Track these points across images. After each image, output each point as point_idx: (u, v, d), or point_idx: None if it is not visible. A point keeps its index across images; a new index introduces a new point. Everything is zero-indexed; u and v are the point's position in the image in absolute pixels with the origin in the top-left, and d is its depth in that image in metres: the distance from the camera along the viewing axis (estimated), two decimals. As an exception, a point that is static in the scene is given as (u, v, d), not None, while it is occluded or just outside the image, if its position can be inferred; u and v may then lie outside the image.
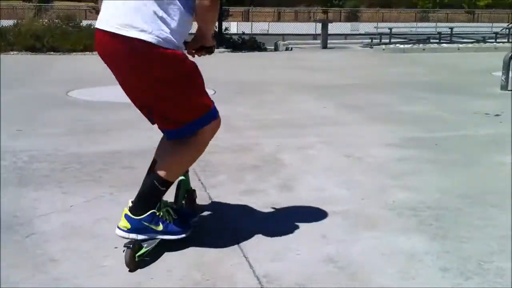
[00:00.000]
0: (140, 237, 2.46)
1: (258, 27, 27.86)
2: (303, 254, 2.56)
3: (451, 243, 2.69)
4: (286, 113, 6.26)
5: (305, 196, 3.38)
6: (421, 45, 18.25)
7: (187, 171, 2.83)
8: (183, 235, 2.55)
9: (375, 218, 3.01)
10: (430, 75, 9.92)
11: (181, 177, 2.76)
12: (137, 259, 2.41)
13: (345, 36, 24.95)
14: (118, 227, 2.47)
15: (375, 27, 23.06)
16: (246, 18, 40.15)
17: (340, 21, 36.15)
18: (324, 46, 17.75)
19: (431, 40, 20.18)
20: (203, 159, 4.15)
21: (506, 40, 21.03)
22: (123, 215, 2.47)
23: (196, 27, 2.51)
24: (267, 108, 6.62)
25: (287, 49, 17.59)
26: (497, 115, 5.99)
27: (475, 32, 23.57)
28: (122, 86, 2.44)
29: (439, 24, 29.33)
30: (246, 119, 5.89)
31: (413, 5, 59.14)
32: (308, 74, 10.43)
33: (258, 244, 2.68)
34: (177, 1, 2.26)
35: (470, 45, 18.62)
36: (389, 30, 19.92)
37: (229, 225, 2.94)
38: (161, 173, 2.46)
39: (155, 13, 2.22)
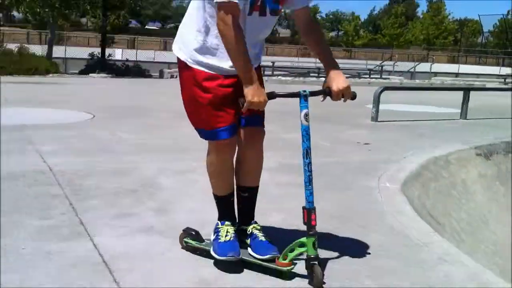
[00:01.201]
0: (211, 237, 2.76)
1: (144, 55, 27.67)
2: (175, 278, 2.55)
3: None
4: (168, 138, 6.24)
5: (181, 219, 3.36)
6: (301, 78, 19.03)
7: (312, 234, 2.53)
8: (217, 257, 2.62)
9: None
10: (311, 107, 10.34)
11: (303, 239, 2.53)
12: (184, 244, 2.83)
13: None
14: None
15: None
16: (132, 45, 39.71)
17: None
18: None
19: (311, 74, 21.14)
20: (76, 183, 4.05)
21: (378, 76, 22.56)
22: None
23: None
24: (148, 133, 6.56)
25: (172, 76, 17.63)
26: (366, 143, 6.38)
27: (352, 68, 25.06)
28: None
29: (318, 60, 30.81)
30: (125, 143, 5.79)
31: (295, 41, 61.85)
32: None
33: (130, 268, 2.63)
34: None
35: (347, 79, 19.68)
36: (271, 64, 20.62)
37: (97, 248, 2.85)
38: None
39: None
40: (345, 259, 2.86)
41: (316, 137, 6.62)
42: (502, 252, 4.83)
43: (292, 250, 2.52)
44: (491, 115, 9.19)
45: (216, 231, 2.73)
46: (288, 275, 2.52)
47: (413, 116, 9.18)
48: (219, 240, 2.67)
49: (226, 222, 2.75)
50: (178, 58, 2.66)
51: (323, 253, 2.86)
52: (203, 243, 2.76)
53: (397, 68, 29.24)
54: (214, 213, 2.86)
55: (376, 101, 8.39)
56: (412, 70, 28.10)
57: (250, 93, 2.42)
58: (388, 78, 22.17)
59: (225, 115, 2.59)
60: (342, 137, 6.81)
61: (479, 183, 5.79)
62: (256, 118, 2.70)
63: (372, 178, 4.66)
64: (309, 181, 2.59)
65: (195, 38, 2.57)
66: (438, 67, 33.31)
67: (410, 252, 3.04)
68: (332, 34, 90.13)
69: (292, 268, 2.53)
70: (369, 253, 2.97)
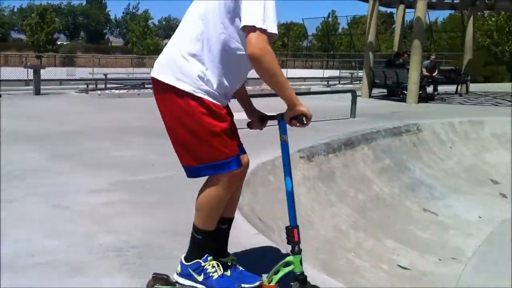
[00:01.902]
0: (185, 282, 2.62)
1: None
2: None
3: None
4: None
5: (11, 250, 3.30)
6: (136, 90, 18.88)
7: (298, 251, 2.57)
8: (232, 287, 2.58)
9: (81, 264, 3.12)
10: (143, 120, 10.37)
11: (289, 258, 2.57)
12: None
13: (61, 81, 24.41)
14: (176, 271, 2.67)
15: (90, 73, 23.12)
16: None
17: (55, 66, 35.18)
18: (37, 92, 17.10)
19: (146, 86, 21.05)
20: None
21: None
22: (180, 260, 2.68)
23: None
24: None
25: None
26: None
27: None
28: None
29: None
30: None
31: (129, 51, 60.85)
32: (18, 123, 9.98)
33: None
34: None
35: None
36: (104, 76, 20.19)
37: None
38: (195, 221, 2.64)
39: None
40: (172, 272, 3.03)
41: (149, 153, 6.77)
42: (325, 248, 5.35)
43: (276, 272, 2.57)
44: (314, 118, 9.94)
45: (201, 270, 2.62)
46: None
47: (243, 123, 9.63)
48: (213, 277, 2.61)
49: (209, 258, 2.66)
50: (174, 88, 2.43)
51: (150, 269, 3.01)
52: (186, 287, 2.63)
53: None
54: (45, 241, 2.86)
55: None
56: (244, 76, 29.12)
57: (306, 109, 2.52)
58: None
59: (235, 143, 2.58)
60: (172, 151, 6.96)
61: (303, 185, 6.30)
62: (242, 146, 2.75)
63: (204, 189, 4.88)
64: (291, 201, 2.65)
65: (203, 67, 2.45)
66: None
67: (238, 257, 3.31)
68: (166, 41, 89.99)
69: None
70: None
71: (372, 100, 17.02)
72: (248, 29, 2.31)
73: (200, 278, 2.62)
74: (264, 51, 2.30)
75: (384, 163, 8.20)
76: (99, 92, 17.45)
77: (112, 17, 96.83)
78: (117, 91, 17.98)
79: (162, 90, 2.48)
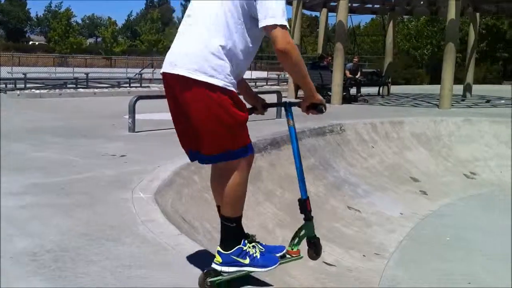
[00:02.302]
0: (231, 269, 2.68)
1: None
2: None
3: (70, 281, 2.81)
4: None
5: None
6: (57, 90, 18.25)
7: (310, 218, 2.87)
8: (269, 268, 2.75)
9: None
10: (64, 120, 10.03)
11: (304, 225, 2.88)
12: (209, 284, 2.64)
13: (-23, 81, 23.20)
14: (213, 262, 2.69)
15: (9, 72, 22.10)
16: None
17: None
18: (-50, 92, 16.19)
19: (68, 85, 20.39)
20: None
21: (138, 85, 22.70)
22: (217, 251, 2.69)
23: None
24: None
25: None
26: (122, 155, 6.45)
27: (111, 77, 24.79)
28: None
29: (76, 69, 29.83)
30: None
31: (52, 50, 58.82)
32: None
33: None
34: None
35: (106, 89, 19.46)
36: (23, 75, 19.38)
37: None
38: (225, 213, 2.69)
39: None
40: (93, 274, 2.91)
41: (70, 153, 6.52)
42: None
43: (294, 238, 2.87)
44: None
45: (245, 253, 2.71)
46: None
47: (171, 124, 9.45)
48: (257, 257, 2.74)
49: (246, 241, 2.75)
50: (207, 84, 2.47)
51: (66, 273, 2.88)
52: (235, 272, 2.70)
53: (157, 76, 29.75)
54: None
55: (132, 111, 8.49)
56: (171, 77, 28.74)
57: (321, 97, 2.82)
58: (148, 87, 22.46)
59: (247, 131, 2.70)
60: (97, 151, 6.76)
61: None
62: None
63: (126, 190, 4.75)
64: (301, 175, 2.85)
65: (230, 62, 2.54)
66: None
67: (160, 257, 3.22)
68: (91, 40, 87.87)
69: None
70: (120, 265, 3.06)
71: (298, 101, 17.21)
72: (272, 26, 2.47)
73: (247, 261, 2.72)
74: (291, 45, 2.50)
75: (309, 162, 8.29)
76: (18, 92, 16.73)
77: (33, 14, 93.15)
78: (37, 91, 17.30)
79: (192, 86, 2.50)
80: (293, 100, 3.13)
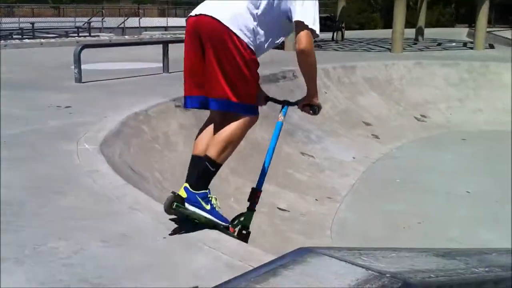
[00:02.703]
0: (192, 208, 2.80)
1: None
2: None
3: (11, 235, 2.73)
4: None
5: None
6: (2, 41, 17.49)
7: (252, 210, 3.12)
8: (226, 224, 2.96)
9: None
10: (9, 73, 9.64)
11: (246, 212, 3.12)
12: (174, 207, 2.74)
13: None
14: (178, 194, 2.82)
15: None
16: None
17: None
18: None
19: (14, 36, 19.58)
20: None
21: (87, 34, 21.99)
22: (183, 187, 2.85)
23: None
24: None
25: None
26: (67, 106, 6.25)
27: (59, 27, 23.92)
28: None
29: (22, 19, 28.60)
30: None
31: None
32: None
33: None
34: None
35: (53, 40, 18.76)
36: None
37: None
38: (214, 155, 2.85)
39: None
40: (38, 227, 2.83)
41: (14, 106, 6.28)
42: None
43: (236, 222, 3.10)
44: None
45: (208, 200, 2.88)
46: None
47: (120, 73, 9.23)
48: (216, 209, 2.91)
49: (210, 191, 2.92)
50: (235, 35, 2.76)
51: (9, 226, 2.79)
52: (195, 213, 2.83)
53: (107, 24, 28.85)
54: None
55: (77, 61, 8.20)
56: (122, 25, 28.03)
57: (319, 102, 3.16)
58: (98, 36, 21.78)
59: None
60: (42, 103, 6.52)
61: (180, 134, 6.16)
62: None
63: (71, 142, 4.61)
64: (266, 170, 3.20)
65: (260, 32, 2.87)
66: (149, 21, 33.90)
67: (104, 207, 3.16)
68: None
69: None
70: (65, 217, 2.99)
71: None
72: (302, 26, 2.80)
73: (208, 207, 2.86)
74: (312, 49, 2.85)
75: (262, 109, 8.25)
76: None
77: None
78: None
79: (221, 29, 2.76)
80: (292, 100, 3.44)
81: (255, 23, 2.83)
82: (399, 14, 14.50)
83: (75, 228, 2.86)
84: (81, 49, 8.36)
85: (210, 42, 2.78)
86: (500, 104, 10.73)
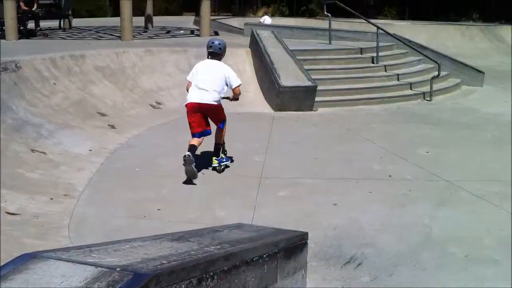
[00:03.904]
0: (222, 163, 7.12)
1: None
2: None
3: None
4: None
5: None
6: None
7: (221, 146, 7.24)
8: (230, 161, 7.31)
9: None
10: None
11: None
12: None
13: None
14: (213, 164, 7.06)
15: None
16: None
17: None
18: None
19: None
20: None
21: None
22: (214, 158, 7.06)
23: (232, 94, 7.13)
24: None
25: None
26: None
27: None
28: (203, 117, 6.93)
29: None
30: None
31: None
32: None
33: None
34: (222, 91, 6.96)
35: None
36: None
37: None
38: (221, 141, 7.12)
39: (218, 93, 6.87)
40: None
41: None
42: None
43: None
44: None
45: (221, 157, 7.16)
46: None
47: None
48: (225, 157, 7.29)
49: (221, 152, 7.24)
50: (217, 104, 6.93)
51: None
52: (223, 164, 7.28)
53: None
54: None
55: None
56: None
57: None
58: None
59: None
60: None
61: None
62: None
63: None
64: None
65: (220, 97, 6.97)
66: None
67: None
68: None
69: None
70: None
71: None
72: (238, 86, 7.01)
73: (224, 159, 7.16)
74: (240, 93, 7.22)
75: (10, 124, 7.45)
76: None
77: None
78: None
79: (214, 105, 6.81)
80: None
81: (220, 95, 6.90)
82: (126, 1, 14.40)
83: None
84: None
85: (207, 112, 6.88)
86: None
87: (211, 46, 6.89)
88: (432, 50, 14.19)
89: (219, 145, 7.02)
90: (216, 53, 6.89)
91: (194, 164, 6.42)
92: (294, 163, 7.54)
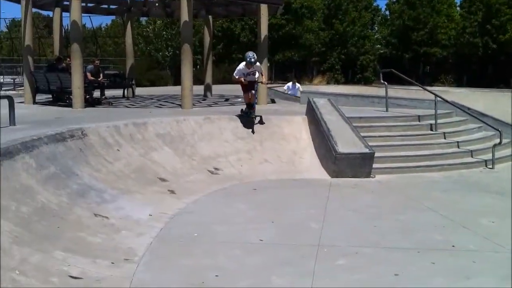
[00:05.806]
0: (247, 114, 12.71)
1: None
2: None
3: None
4: None
5: None
6: None
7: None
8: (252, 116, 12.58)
9: None
10: None
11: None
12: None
13: None
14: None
15: None
16: None
17: None
18: None
19: None
20: None
21: None
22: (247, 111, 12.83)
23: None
24: None
25: None
26: None
27: None
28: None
29: None
30: None
31: None
32: None
33: None
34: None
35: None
36: None
37: None
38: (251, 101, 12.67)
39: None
40: None
41: None
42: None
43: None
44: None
45: (246, 109, 12.77)
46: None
47: None
48: (248, 111, 12.74)
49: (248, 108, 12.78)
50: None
51: None
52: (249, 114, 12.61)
53: None
54: None
55: None
56: None
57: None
58: None
59: None
60: None
61: None
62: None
63: None
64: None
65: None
66: None
67: None
68: None
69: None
70: None
71: (36, 107, 16.19)
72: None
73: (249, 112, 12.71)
74: (233, 78, 12.42)
75: (49, 171, 7.76)
76: None
77: None
78: None
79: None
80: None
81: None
82: (186, 71, 14.94)
83: None
84: None
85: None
86: (282, 155, 11.59)
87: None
88: (493, 118, 13.94)
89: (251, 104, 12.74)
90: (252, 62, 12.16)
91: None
92: (352, 231, 7.42)
